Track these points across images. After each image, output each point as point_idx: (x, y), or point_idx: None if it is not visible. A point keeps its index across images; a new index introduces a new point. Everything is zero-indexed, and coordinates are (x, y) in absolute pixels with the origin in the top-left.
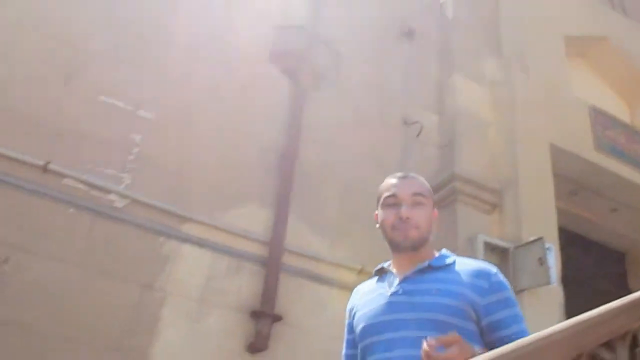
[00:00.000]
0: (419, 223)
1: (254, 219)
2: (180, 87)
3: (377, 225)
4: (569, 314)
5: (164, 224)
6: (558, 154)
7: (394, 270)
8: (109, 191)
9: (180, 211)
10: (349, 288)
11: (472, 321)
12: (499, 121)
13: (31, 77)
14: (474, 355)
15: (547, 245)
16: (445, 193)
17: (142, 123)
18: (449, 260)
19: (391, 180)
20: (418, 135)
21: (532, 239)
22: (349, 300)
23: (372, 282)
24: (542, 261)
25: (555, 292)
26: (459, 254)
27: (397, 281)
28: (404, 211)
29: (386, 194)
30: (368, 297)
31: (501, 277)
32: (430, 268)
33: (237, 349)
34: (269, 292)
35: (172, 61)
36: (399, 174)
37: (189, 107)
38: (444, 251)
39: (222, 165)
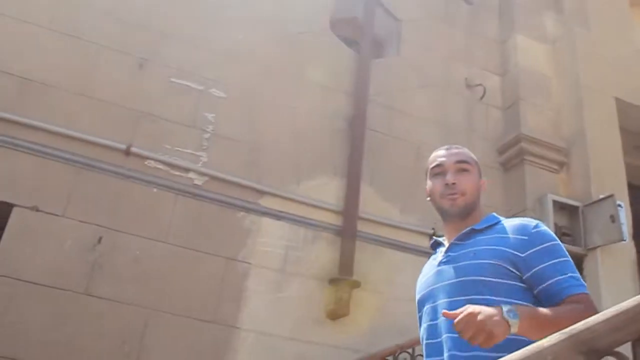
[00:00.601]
0: (465, 189)
1: (327, 189)
2: (247, 64)
3: (428, 198)
4: None
5: (243, 199)
6: (623, 108)
7: (445, 240)
8: (188, 170)
9: (257, 185)
10: (422, 252)
11: (514, 277)
12: (562, 79)
13: (108, 63)
14: (495, 315)
15: (617, 202)
16: (512, 154)
17: (214, 101)
18: (491, 222)
19: (436, 152)
20: (482, 97)
21: (602, 196)
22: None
23: (432, 257)
24: (613, 218)
25: (627, 248)
26: (528, 215)
27: (444, 251)
28: (450, 177)
29: (432, 164)
30: (425, 271)
31: (542, 228)
32: (473, 232)
33: (319, 315)
34: (346, 260)
35: (237, 39)
36: (444, 147)
37: (257, 83)
38: (492, 215)
39: (293, 138)
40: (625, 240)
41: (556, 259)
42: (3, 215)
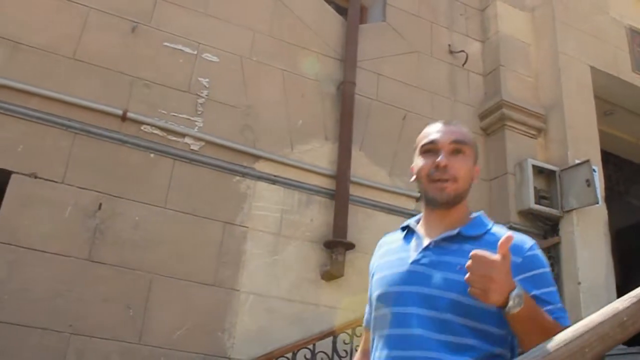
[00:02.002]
0: (457, 174)
1: (319, 154)
2: (238, 29)
3: (412, 178)
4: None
5: (238, 164)
6: (597, 76)
7: (422, 231)
8: (184, 135)
9: (252, 150)
10: (410, 215)
11: None
12: (541, 46)
13: (100, 27)
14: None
15: (592, 167)
16: (493, 120)
17: (208, 66)
18: (481, 230)
19: (432, 127)
20: (464, 64)
21: (578, 161)
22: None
23: (398, 239)
24: (589, 183)
25: (600, 210)
26: (509, 179)
27: (421, 247)
28: (443, 158)
29: (424, 140)
30: (390, 257)
31: (537, 251)
32: (460, 237)
33: (314, 277)
34: (339, 222)
35: (229, 4)
36: (441, 121)
37: (248, 48)
38: (481, 215)
39: (286, 103)
40: (599, 204)
41: (547, 287)
42: (1, 182)
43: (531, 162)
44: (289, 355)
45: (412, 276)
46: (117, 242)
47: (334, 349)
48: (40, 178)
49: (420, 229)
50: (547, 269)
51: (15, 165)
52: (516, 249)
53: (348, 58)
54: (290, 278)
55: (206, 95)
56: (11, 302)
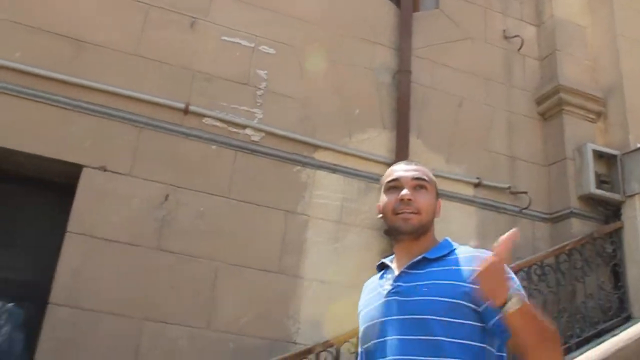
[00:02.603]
0: (420, 207)
1: (377, 142)
2: (294, 20)
3: (379, 215)
4: None
5: (298, 153)
6: None
7: (393, 265)
8: (244, 126)
9: (311, 140)
10: (467, 201)
11: (470, 315)
12: (598, 29)
13: (160, 23)
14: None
15: None
16: (551, 104)
17: (265, 59)
18: (445, 251)
19: (395, 167)
20: (519, 49)
21: None
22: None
23: (376, 279)
24: None
25: None
26: (568, 165)
27: (392, 279)
28: (406, 192)
29: (388, 178)
30: (369, 295)
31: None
32: (425, 261)
33: (373, 264)
34: None
35: None
36: (402, 162)
37: (304, 40)
38: (446, 240)
39: (343, 93)
40: None
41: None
42: (74, 176)
43: (591, 146)
44: (353, 340)
45: (387, 307)
46: (183, 231)
47: None
48: (109, 171)
49: (392, 264)
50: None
51: (86, 159)
52: (474, 260)
53: (403, 47)
54: (352, 265)
55: (265, 87)
56: (87, 290)
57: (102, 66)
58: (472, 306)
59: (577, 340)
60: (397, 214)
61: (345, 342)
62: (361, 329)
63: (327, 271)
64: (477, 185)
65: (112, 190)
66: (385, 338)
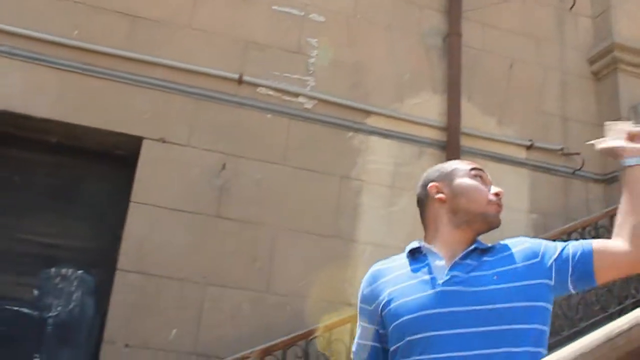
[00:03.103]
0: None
1: (428, 106)
2: None
3: (440, 195)
4: None
5: (350, 119)
6: None
7: (441, 253)
8: (297, 94)
9: (363, 106)
10: (519, 164)
11: (544, 295)
12: None
13: None
14: None
15: None
16: (604, 63)
17: (315, 27)
18: (487, 243)
19: (465, 162)
20: (571, 7)
21: None
22: (364, 281)
23: (403, 265)
24: None
25: None
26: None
27: (444, 267)
28: (499, 189)
29: (471, 166)
30: (404, 281)
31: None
32: (477, 251)
33: None
34: None
35: None
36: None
37: (354, 5)
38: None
39: (393, 58)
40: None
41: (556, 243)
42: (135, 148)
43: None
44: None
45: (450, 296)
46: (241, 199)
47: None
48: (168, 142)
49: (436, 250)
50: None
51: (146, 131)
52: (517, 242)
53: (452, 9)
54: (406, 228)
55: (316, 55)
56: (153, 256)
57: (158, 41)
58: (541, 280)
59: (632, 300)
60: (492, 204)
61: None
62: (398, 320)
63: (381, 235)
64: (529, 148)
65: (171, 160)
66: (450, 330)
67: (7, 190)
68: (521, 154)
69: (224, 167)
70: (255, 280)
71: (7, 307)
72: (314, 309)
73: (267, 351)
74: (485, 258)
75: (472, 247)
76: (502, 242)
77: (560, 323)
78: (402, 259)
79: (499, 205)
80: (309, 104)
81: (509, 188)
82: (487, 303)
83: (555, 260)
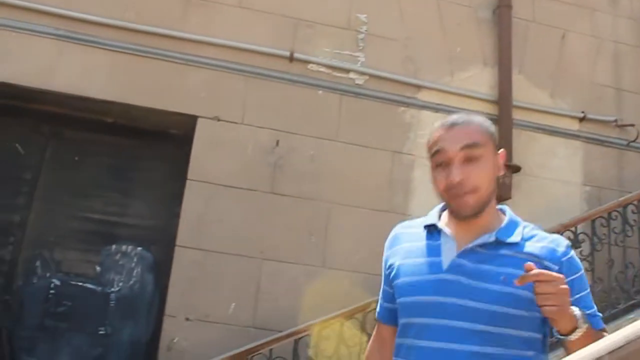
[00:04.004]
0: (475, 184)
1: (479, 80)
2: None
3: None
4: None
5: (401, 94)
6: None
7: (452, 233)
8: (348, 70)
9: (413, 80)
10: (572, 136)
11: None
12: None
13: None
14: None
15: None
16: None
17: (365, 2)
18: (516, 234)
19: (437, 131)
20: None
21: None
22: (387, 242)
23: (420, 236)
24: None
25: None
26: None
27: (454, 252)
28: (455, 174)
29: (433, 148)
30: (416, 259)
31: (571, 254)
32: (496, 242)
33: None
34: (504, 146)
35: None
36: (447, 121)
37: None
38: (509, 214)
39: (443, 32)
40: None
41: (585, 290)
42: (190, 127)
43: None
44: None
45: (449, 285)
46: (295, 175)
47: None
48: (223, 120)
49: (448, 229)
50: (582, 271)
51: (200, 110)
52: (550, 255)
53: None
54: None
55: (365, 31)
56: (210, 233)
57: (210, 20)
58: None
59: None
60: (451, 196)
61: None
62: (405, 299)
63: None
64: (582, 120)
65: (226, 138)
66: (444, 321)
67: (69, 170)
68: (574, 126)
69: (277, 144)
70: (311, 254)
71: (73, 282)
72: (369, 282)
73: (326, 324)
74: (502, 251)
75: (492, 238)
76: (537, 239)
77: (616, 296)
78: (419, 228)
79: (457, 195)
80: (360, 80)
81: (562, 161)
82: (484, 302)
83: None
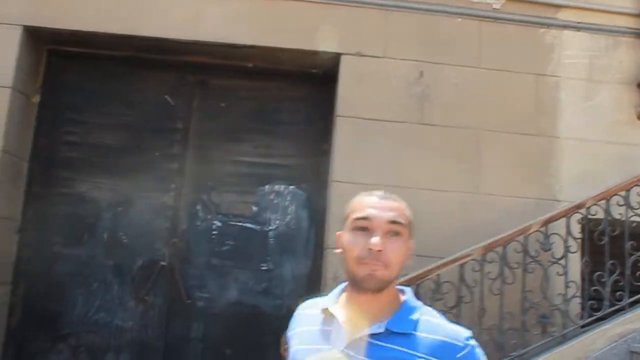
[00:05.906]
0: (390, 260)
1: None
2: None
3: (338, 250)
4: None
5: (541, 15)
6: None
7: (343, 319)
8: None
9: (553, 0)
10: None
11: None
12: None
13: None
14: None
15: None
16: None
17: None
18: (408, 324)
19: (366, 199)
20: None
21: None
22: (291, 321)
23: (317, 319)
24: None
25: None
26: None
27: (342, 341)
28: (377, 242)
29: (358, 214)
30: (307, 342)
31: (469, 349)
32: (387, 332)
33: (629, 118)
34: None
35: None
36: (378, 193)
37: None
38: (407, 300)
39: None
40: None
41: None
42: (332, 65)
43: None
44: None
45: None
46: (442, 104)
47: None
48: (365, 55)
49: (340, 315)
50: None
51: (343, 47)
52: (443, 351)
53: None
54: (606, 121)
55: None
56: (362, 167)
57: None
58: None
59: None
60: (362, 263)
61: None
62: None
63: (582, 129)
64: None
65: (370, 73)
66: None
67: (217, 117)
68: None
69: (421, 74)
70: (464, 182)
71: (232, 223)
72: (522, 206)
73: (488, 247)
74: (391, 344)
75: (382, 328)
76: (429, 331)
77: None
78: (319, 309)
79: (370, 264)
80: (497, 4)
81: None
82: None
83: None
